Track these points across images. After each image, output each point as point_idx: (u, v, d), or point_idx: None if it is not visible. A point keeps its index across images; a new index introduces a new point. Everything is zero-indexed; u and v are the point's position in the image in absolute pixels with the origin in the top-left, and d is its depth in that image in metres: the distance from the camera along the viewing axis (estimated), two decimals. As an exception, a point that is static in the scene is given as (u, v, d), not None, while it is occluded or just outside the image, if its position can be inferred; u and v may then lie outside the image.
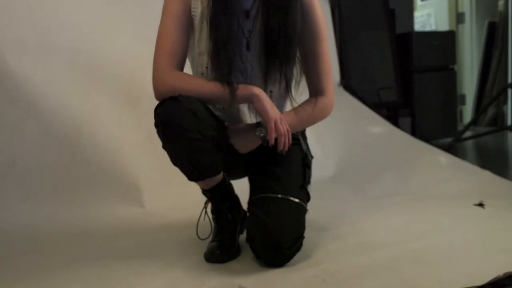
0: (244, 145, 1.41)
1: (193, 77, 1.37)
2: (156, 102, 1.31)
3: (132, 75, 2.30)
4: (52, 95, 2.12)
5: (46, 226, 1.83)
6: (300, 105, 1.46)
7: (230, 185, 1.52)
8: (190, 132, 1.25)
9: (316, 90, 1.48)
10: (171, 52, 1.34)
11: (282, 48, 1.35)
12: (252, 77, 1.40)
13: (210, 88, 1.30)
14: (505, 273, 1.16)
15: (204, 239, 1.51)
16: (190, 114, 1.25)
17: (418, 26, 5.48)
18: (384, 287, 1.15)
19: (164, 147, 1.31)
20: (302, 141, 1.56)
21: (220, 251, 1.40)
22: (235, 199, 1.53)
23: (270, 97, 1.37)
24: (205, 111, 1.30)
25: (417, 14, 5.59)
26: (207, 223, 1.53)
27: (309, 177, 1.53)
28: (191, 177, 1.37)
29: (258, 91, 1.31)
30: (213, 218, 1.51)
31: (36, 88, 2.09)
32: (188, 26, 1.38)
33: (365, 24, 3.86)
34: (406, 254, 1.36)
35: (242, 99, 1.32)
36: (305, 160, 1.53)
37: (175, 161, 1.33)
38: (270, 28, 1.34)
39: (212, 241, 1.46)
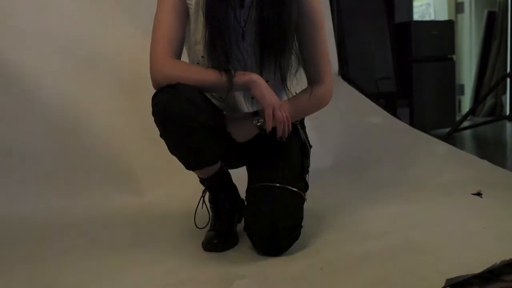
0: (242, 134, 1.40)
1: (190, 65, 1.36)
2: (154, 91, 1.31)
3: (129, 64, 2.29)
4: (49, 84, 2.11)
5: (43, 215, 1.83)
6: (297, 95, 1.45)
7: (228, 174, 1.52)
8: (188, 120, 1.24)
9: (314, 79, 1.47)
10: (168, 40, 1.33)
11: (277, 38, 1.33)
12: (247, 67, 1.38)
13: (208, 75, 1.30)
14: (502, 261, 1.16)
15: (201, 228, 1.51)
16: (187, 102, 1.24)
17: (417, 16, 5.46)
18: (381, 275, 1.16)
19: (161, 135, 1.30)
20: (300, 131, 1.55)
21: (218, 240, 1.40)
22: (233, 188, 1.53)
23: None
24: (203, 100, 1.30)
25: (416, 3, 5.56)
26: (204, 212, 1.53)
27: (307, 166, 1.53)
28: (188, 166, 1.37)
29: (256, 77, 1.30)
30: (211, 207, 1.50)
31: (32, 77, 2.08)
32: (184, 14, 1.37)
33: (364, 14, 3.83)
34: (403, 243, 1.36)
35: (240, 85, 1.31)
36: (304, 150, 1.53)
37: (173, 149, 1.32)
38: (265, 17, 1.32)
39: (209, 230, 1.46)
